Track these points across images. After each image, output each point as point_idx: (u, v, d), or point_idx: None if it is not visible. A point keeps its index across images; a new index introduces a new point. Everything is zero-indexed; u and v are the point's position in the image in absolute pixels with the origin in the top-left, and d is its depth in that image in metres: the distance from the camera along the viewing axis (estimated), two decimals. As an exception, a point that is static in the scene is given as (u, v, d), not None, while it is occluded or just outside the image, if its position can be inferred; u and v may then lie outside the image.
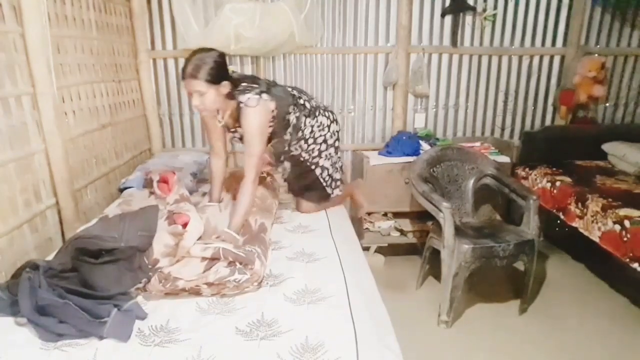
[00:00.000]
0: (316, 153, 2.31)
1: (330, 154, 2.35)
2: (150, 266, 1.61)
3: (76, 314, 1.32)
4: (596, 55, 3.45)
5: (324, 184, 2.38)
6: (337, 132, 2.38)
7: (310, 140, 2.26)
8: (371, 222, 3.21)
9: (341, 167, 2.49)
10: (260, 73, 3.27)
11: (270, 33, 3.03)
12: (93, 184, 2.39)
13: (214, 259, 1.62)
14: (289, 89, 2.21)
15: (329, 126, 2.30)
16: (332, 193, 2.42)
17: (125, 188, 2.58)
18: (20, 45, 1.84)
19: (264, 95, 1.96)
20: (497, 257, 2.41)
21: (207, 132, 2.18)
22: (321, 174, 2.35)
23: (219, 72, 1.83)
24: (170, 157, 2.97)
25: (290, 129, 2.17)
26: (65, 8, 2.19)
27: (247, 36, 2.98)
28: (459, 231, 2.50)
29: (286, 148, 2.25)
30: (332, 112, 2.37)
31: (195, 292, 1.58)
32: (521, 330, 2.43)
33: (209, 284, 1.55)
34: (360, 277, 1.76)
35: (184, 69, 1.81)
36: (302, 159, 2.31)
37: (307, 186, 2.37)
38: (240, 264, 1.60)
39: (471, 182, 2.92)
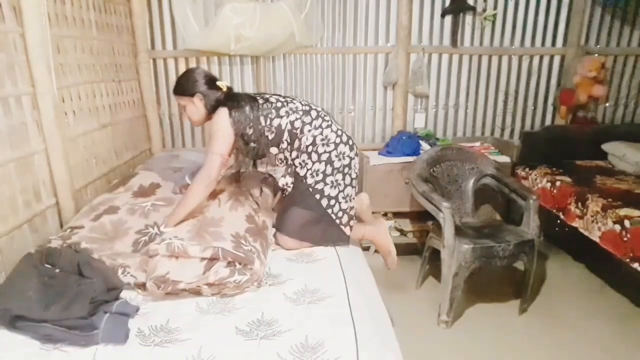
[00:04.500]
0: (320, 177, 2.00)
1: (337, 181, 2.01)
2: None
3: (67, 336, 1.31)
4: (596, 55, 3.45)
5: (338, 221, 2.04)
6: (349, 157, 2.05)
7: (314, 156, 2.00)
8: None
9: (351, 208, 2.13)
10: (260, 73, 3.27)
11: (270, 33, 3.03)
12: (93, 184, 2.39)
13: (213, 259, 1.62)
14: (278, 98, 2.08)
15: (336, 144, 2.02)
16: (346, 231, 2.08)
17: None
18: (20, 45, 1.84)
19: (221, 107, 2.00)
20: (497, 257, 2.40)
21: None
22: (329, 205, 2.01)
23: (189, 86, 2.03)
24: (170, 157, 2.97)
25: (286, 136, 2.01)
26: (65, 8, 2.19)
27: (247, 36, 2.98)
28: (459, 231, 2.50)
29: (287, 159, 2.09)
30: (347, 135, 2.09)
31: (196, 292, 1.58)
32: (521, 330, 2.43)
33: (210, 284, 1.55)
34: (360, 277, 1.76)
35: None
36: (304, 180, 2.02)
37: (309, 220, 2.00)
38: (240, 264, 1.60)
39: (471, 182, 2.92)
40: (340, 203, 2.03)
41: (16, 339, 1.32)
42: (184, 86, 2.05)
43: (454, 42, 3.38)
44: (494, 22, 3.38)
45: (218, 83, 2.05)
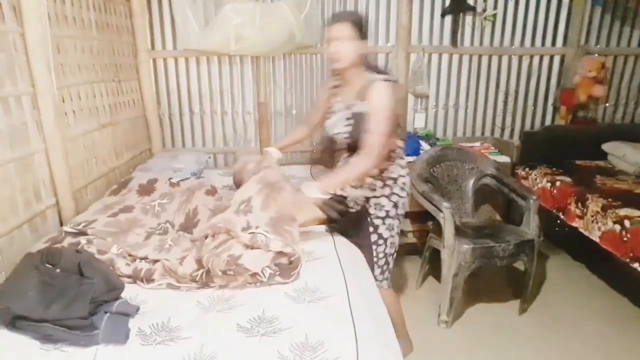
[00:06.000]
0: (383, 213, 1.96)
1: (392, 225, 1.98)
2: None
3: (67, 336, 1.30)
4: (596, 55, 3.45)
5: (375, 260, 2.02)
6: (405, 192, 2.00)
7: (390, 181, 1.94)
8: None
9: (393, 255, 2.08)
10: (260, 73, 3.27)
11: (270, 33, 3.03)
12: (93, 184, 2.39)
13: (279, 253, 1.64)
14: None
15: (402, 175, 1.97)
16: (380, 282, 2.03)
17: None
18: (20, 45, 1.84)
19: (381, 80, 1.84)
20: (497, 257, 2.41)
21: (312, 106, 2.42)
22: (376, 242, 1.99)
23: (364, 28, 1.83)
24: (170, 157, 2.97)
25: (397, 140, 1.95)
26: (65, 8, 2.19)
27: (247, 36, 2.98)
28: (459, 231, 2.50)
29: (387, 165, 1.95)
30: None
31: (204, 284, 1.59)
32: (521, 330, 2.43)
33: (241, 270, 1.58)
34: (360, 277, 1.76)
35: (333, 16, 1.88)
36: (367, 206, 1.96)
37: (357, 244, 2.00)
38: (290, 267, 1.64)
39: (471, 182, 2.92)
40: (386, 244, 2.02)
41: (16, 339, 1.31)
42: (362, 24, 1.83)
43: (454, 42, 3.38)
44: (494, 22, 3.38)
45: None
